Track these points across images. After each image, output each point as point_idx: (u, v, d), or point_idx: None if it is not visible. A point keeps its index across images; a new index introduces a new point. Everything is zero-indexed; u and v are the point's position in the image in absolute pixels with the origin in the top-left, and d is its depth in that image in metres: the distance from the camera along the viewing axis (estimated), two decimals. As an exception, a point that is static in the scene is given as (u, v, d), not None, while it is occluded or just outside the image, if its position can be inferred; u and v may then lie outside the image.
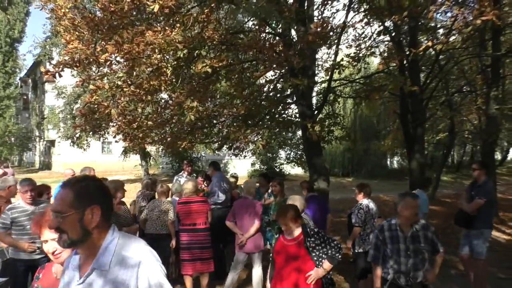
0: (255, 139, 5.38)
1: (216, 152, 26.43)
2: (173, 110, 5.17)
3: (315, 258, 3.68)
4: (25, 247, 4.30)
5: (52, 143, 41.55)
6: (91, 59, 4.92)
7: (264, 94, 6.81)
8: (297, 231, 3.81)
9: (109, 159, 37.77)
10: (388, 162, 30.61)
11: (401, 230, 3.69)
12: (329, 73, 5.79)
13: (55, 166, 40.60)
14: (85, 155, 29.58)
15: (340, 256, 3.69)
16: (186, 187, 5.81)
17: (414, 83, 7.13)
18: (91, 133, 21.72)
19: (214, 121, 7.32)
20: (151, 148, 24.93)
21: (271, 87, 6.83)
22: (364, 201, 5.69)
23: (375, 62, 19.90)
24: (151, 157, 26.00)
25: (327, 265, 3.67)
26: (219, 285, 6.29)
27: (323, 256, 3.69)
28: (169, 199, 6.53)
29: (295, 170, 26.61)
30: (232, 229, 5.71)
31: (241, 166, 28.71)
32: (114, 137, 6.40)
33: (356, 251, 5.67)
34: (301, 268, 3.71)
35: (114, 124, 5.76)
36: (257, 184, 5.95)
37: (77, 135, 23.85)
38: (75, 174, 6.94)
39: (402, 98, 9.05)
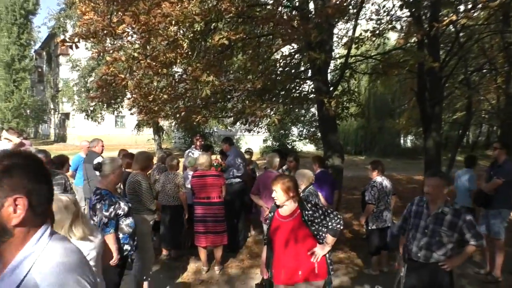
0: (271, 113, 5.31)
1: (229, 127, 26.54)
2: (189, 84, 5.12)
3: (315, 233, 3.45)
4: None
5: (66, 116, 42.00)
6: (107, 31, 4.87)
7: (280, 69, 6.71)
8: (292, 206, 3.52)
9: (122, 132, 38.14)
10: (402, 141, 30.34)
11: (427, 207, 3.60)
12: (348, 47, 5.64)
13: (70, 139, 41.17)
14: (98, 128, 29.87)
15: (341, 227, 3.50)
16: (201, 161, 5.84)
17: (434, 60, 6.96)
18: (105, 106, 21.92)
19: (229, 96, 7.27)
20: (163, 123, 25.04)
21: (287, 62, 6.73)
22: (378, 179, 5.67)
23: (392, 39, 19.47)
24: (164, 132, 26.12)
25: (330, 239, 3.48)
26: (232, 257, 6.39)
27: (323, 229, 3.48)
28: (180, 171, 6.57)
29: (307, 148, 26.54)
30: (257, 202, 5.82)
31: (253, 143, 28.71)
32: (130, 109, 6.40)
33: (370, 228, 5.68)
34: (301, 246, 3.45)
35: (130, 97, 5.75)
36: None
37: (92, 108, 24.04)
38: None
39: (420, 76, 8.84)
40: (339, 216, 3.53)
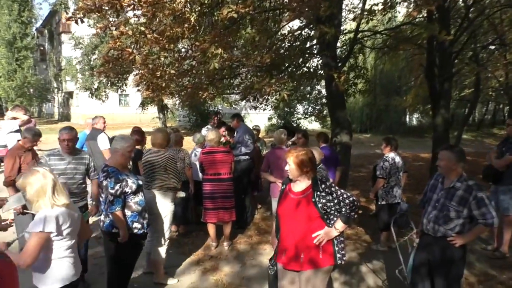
0: (280, 89, 5.22)
1: (233, 105, 26.37)
2: (197, 58, 5.01)
3: (325, 217, 3.17)
4: None
5: (70, 94, 41.92)
6: (112, 4, 4.76)
7: (288, 44, 6.58)
8: (306, 183, 3.26)
9: (126, 111, 38.11)
10: (408, 119, 30.15)
11: (442, 182, 3.57)
12: (358, 20, 5.48)
13: (74, 118, 41.16)
14: (102, 107, 29.81)
15: (355, 215, 3.27)
16: (210, 137, 5.80)
17: (447, 33, 6.81)
18: (109, 84, 21.78)
19: (236, 72, 7.17)
20: (168, 101, 24.94)
21: (296, 36, 6.59)
22: (391, 154, 5.63)
23: (400, 15, 19.09)
24: (169, 110, 26.05)
25: (340, 225, 3.16)
26: (240, 234, 6.42)
27: (335, 213, 3.19)
28: (184, 148, 6.55)
29: (312, 125, 26.44)
30: (268, 179, 5.77)
31: (258, 120, 28.56)
32: (137, 85, 6.32)
33: (379, 203, 5.67)
34: (308, 228, 3.18)
35: (137, 73, 5.67)
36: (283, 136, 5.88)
37: (96, 86, 23.94)
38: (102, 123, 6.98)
39: (430, 51, 8.69)
40: (355, 203, 3.22)
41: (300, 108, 26.15)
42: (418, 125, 29.51)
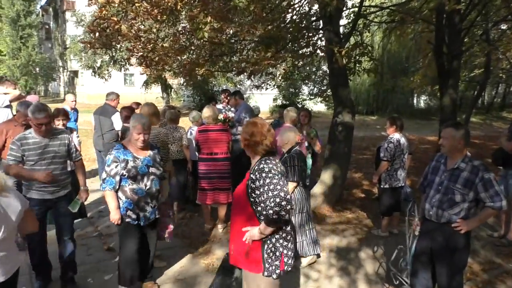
0: (276, 63, 4.91)
1: (238, 85, 26.11)
2: (189, 29, 4.70)
3: (254, 207, 2.63)
4: (42, 176, 3.58)
5: (75, 73, 41.67)
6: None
7: (288, 18, 6.24)
8: (254, 162, 2.72)
9: (132, 91, 37.71)
10: (415, 101, 29.64)
11: (445, 163, 3.28)
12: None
13: (79, 97, 40.83)
14: (107, 86, 29.38)
15: (275, 216, 2.47)
16: (205, 115, 5.55)
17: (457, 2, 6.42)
18: (112, 62, 21.49)
19: (235, 48, 6.84)
20: (172, 81, 24.63)
21: (296, 9, 6.23)
22: (396, 135, 5.32)
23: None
24: (172, 90, 25.75)
25: (262, 226, 2.55)
26: (236, 216, 6.20)
27: (262, 210, 2.60)
28: (181, 125, 6.33)
29: (317, 107, 26.02)
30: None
31: (263, 101, 28.23)
32: (127, 59, 6.06)
33: (382, 186, 5.39)
34: (242, 217, 2.70)
35: (129, 46, 5.39)
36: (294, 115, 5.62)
37: (98, 65, 23.66)
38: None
39: (438, 27, 8.27)
40: (280, 199, 2.48)
41: (305, 89, 25.72)
42: (426, 108, 29.03)
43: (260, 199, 2.60)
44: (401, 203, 5.60)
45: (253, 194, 2.62)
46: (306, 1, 6.37)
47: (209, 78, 15.35)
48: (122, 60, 19.80)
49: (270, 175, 2.57)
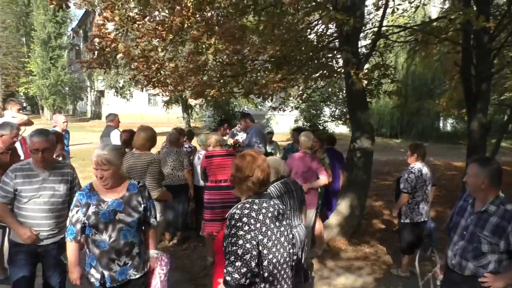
0: (286, 86, 4.57)
1: (259, 107, 25.91)
2: (190, 49, 4.44)
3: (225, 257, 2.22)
4: (24, 235, 3.11)
5: (101, 93, 42.56)
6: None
7: (303, 38, 5.92)
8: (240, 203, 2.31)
9: (155, 111, 38.20)
10: (441, 124, 28.68)
11: (473, 204, 2.81)
12: (381, 10, 4.75)
13: (105, 116, 41.74)
14: (132, 106, 29.92)
15: (230, 279, 2.09)
16: (208, 140, 5.25)
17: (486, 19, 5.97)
18: (134, 83, 21.62)
19: (248, 68, 6.56)
20: (194, 101, 24.64)
21: (311, 28, 5.90)
22: (417, 165, 4.83)
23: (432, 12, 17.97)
24: (193, 110, 25.75)
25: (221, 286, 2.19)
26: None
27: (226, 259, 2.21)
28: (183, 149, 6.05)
29: (339, 129, 25.47)
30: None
31: (283, 123, 27.95)
32: (131, 79, 5.84)
33: (403, 221, 4.88)
34: (221, 269, 2.30)
35: (133, 66, 5.18)
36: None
37: (121, 85, 23.94)
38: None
39: (466, 48, 7.79)
40: (237, 262, 2.08)
41: (327, 110, 25.27)
42: (452, 131, 28.02)
43: (226, 250, 2.16)
44: (424, 239, 5.07)
45: (224, 243, 2.19)
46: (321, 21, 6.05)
47: (226, 99, 15.09)
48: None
49: (238, 224, 2.12)
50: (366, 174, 6.41)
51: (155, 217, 3.05)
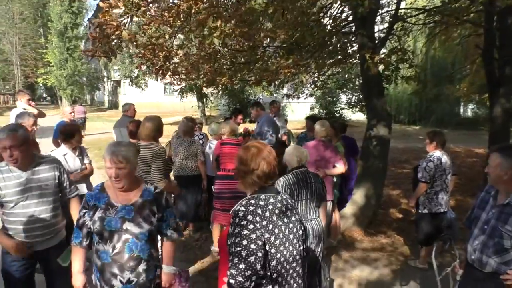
0: (298, 71, 4.37)
1: (274, 94, 25.67)
2: (194, 32, 4.28)
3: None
4: (11, 249, 2.86)
5: (118, 83, 42.80)
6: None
7: (315, 22, 5.69)
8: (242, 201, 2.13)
9: (171, 100, 38.25)
10: (461, 110, 27.96)
11: (495, 196, 2.61)
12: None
13: (121, 106, 42.07)
14: (147, 95, 29.99)
15: (233, 282, 1.93)
16: (222, 129, 5.16)
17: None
18: (147, 72, 21.62)
19: (259, 54, 6.37)
20: (210, 90, 24.57)
21: (324, 12, 5.67)
22: (436, 153, 4.62)
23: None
24: (207, 98, 25.66)
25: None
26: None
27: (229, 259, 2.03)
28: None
29: (356, 116, 25.08)
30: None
31: (299, 110, 27.66)
32: (137, 67, 5.74)
33: (420, 211, 4.69)
34: (223, 267, 2.25)
35: (139, 53, 5.05)
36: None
37: (135, 75, 23.96)
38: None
39: (488, 30, 7.44)
40: (241, 264, 1.91)
41: (343, 97, 24.87)
42: (473, 117, 27.29)
43: (230, 250, 1.99)
44: (443, 231, 4.86)
45: (228, 242, 2.03)
46: (338, 4, 5.81)
47: (240, 87, 14.93)
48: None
49: (242, 222, 1.96)
50: (383, 163, 6.20)
51: (175, 229, 2.67)
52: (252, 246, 1.92)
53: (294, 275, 2.08)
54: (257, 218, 1.97)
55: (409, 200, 4.82)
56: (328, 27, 5.63)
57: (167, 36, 4.71)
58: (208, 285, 4.33)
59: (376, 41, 6.26)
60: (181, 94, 23.99)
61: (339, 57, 5.42)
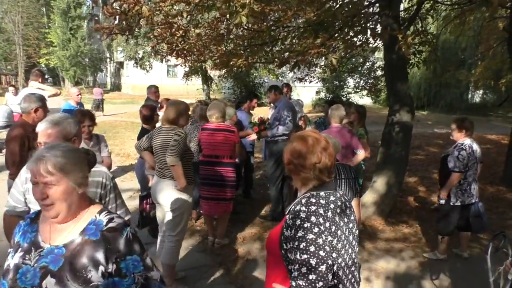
0: (327, 52, 4.10)
1: (280, 78, 25.26)
2: (220, 9, 3.98)
3: (286, 263, 1.77)
4: None
5: (121, 64, 42.39)
6: None
7: (340, 2, 5.39)
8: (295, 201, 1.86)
9: (174, 82, 37.95)
10: (470, 96, 27.57)
11: None
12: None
13: (124, 88, 41.76)
14: (150, 77, 29.53)
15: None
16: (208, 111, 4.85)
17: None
18: (153, 54, 21.26)
19: (278, 36, 6.07)
20: (214, 73, 24.22)
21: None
22: (467, 141, 4.38)
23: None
24: (212, 81, 25.30)
25: None
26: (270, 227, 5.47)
27: (292, 272, 1.72)
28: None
29: (363, 100, 24.74)
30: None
31: (305, 94, 27.34)
32: (152, 47, 5.48)
33: (452, 204, 4.44)
34: (275, 272, 1.87)
35: (156, 33, 4.78)
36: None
37: (140, 56, 23.59)
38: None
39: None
40: (311, 275, 1.63)
41: (350, 82, 24.48)
42: (482, 103, 26.93)
43: (291, 256, 1.72)
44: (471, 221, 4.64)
45: (284, 246, 1.76)
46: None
47: (246, 70, 14.51)
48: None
49: (305, 225, 1.68)
50: (405, 150, 5.96)
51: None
52: (321, 253, 1.66)
53: (353, 280, 1.86)
54: (321, 220, 1.71)
55: (440, 192, 4.53)
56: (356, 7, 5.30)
57: (184, 15, 4.42)
58: (230, 279, 4.16)
59: (401, 22, 5.96)
60: (187, 77, 23.63)
61: (369, 38, 5.11)
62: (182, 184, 3.56)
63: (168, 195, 3.68)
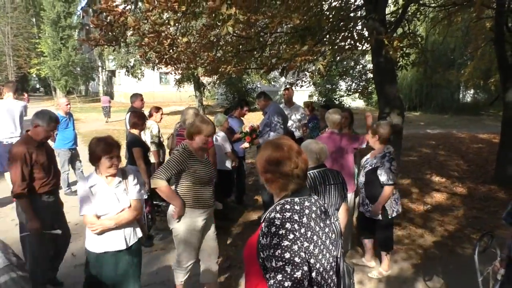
0: (314, 58, 4.13)
1: (272, 83, 25.28)
2: (207, 22, 3.99)
3: (264, 272, 1.73)
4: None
5: (113, 73, 42.35)
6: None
7: (327, 4, 5.43)
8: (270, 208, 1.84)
9: (167, 89, 38.01)
10: (461, 96, 27.81)
11: None
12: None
13: (117, 96, 41.69)
14: (143, 85, 29.55)
15: None
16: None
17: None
18: (144, 62, 21.26)
19: (266, 42, 6.10)
20: (206, 79, 24.23)
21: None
22: (391, 148, 4.34)
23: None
24: (205, 88, 25.31)
25: None
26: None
27: (269, 275, 1.68)
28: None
29: (356, 103, 24.90)
30: None
31: (297, 98, 27.22)
32: (141, 57, 5.48)
33: (390, 217, 4.19)
34: (252, 281, 1.83)
35: (144, 42, 4.78)
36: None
37: (131, 64, 23.56)
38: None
39: (500, 12, 7.21)
40: (286, 282, 1.61)
41: (342, 85, 24.63)
42: (473, 102, 27.18)
43: (267, 264, 1.68)
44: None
45: (261, 254, 1.72)
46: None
47: (238, 76, 14.60)
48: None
49: (280, 232, 1.66)
50: (397, 152, 5.98)
51: None
52: (297, 259, 1.65)
53: (332, 284, 1.86)
54: (296, 226, 1.70)
55: (374, 208, 4.12)
56: (342, 12, 5.35)
57: (172, 23, 4.43)
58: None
59: (387, 26, 6.01)
60: (178, 84, 23.62)
61: (356, 42, 5.14)
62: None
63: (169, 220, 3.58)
